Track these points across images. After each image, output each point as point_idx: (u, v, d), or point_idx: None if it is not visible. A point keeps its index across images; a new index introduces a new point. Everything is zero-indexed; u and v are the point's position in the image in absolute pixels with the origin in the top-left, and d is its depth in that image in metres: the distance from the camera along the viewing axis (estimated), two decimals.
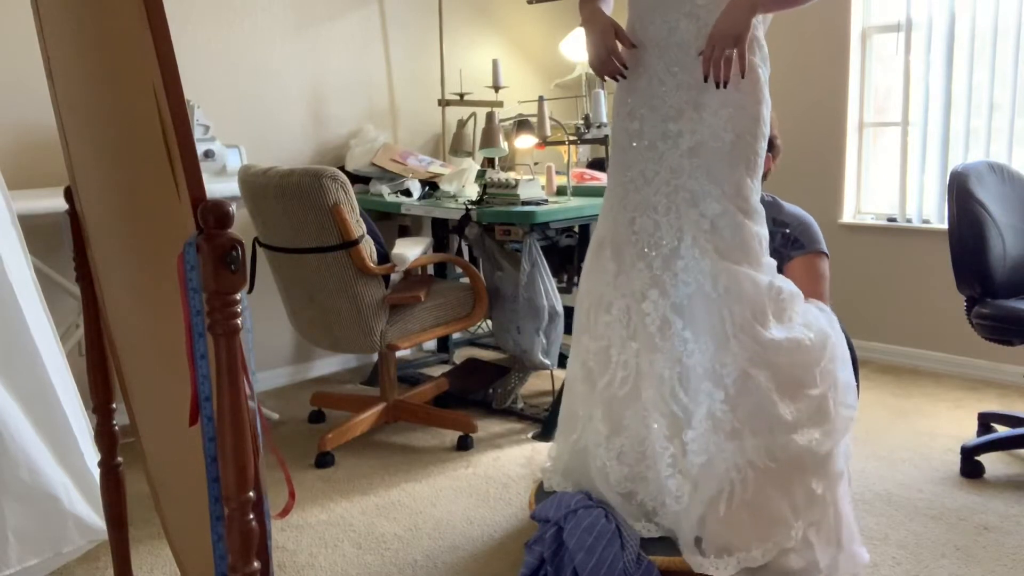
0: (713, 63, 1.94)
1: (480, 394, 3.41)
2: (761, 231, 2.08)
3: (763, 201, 2.51)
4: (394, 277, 2.93)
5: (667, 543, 2.01)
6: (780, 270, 2.54)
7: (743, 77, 1.99)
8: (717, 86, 1.96)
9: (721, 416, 1.95)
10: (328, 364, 3.92)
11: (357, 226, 2.66)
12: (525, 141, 3.71)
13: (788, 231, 2.57)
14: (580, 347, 2.24)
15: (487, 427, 3.14)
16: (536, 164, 3.93)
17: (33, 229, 2.50)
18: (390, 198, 3.48)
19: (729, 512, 1.92)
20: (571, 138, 3.53)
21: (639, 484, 2.07)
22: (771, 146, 2.65)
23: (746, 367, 1.95)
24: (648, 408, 2.03)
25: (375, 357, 3.66)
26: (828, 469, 1.99)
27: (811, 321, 2.08)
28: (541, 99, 3.63)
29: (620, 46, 2.09)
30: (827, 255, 2.59)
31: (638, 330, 2.08)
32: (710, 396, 1.96)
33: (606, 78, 2.13)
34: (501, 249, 3.21)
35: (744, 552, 1.91)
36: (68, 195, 1.60)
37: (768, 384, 1.95)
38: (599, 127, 3.51)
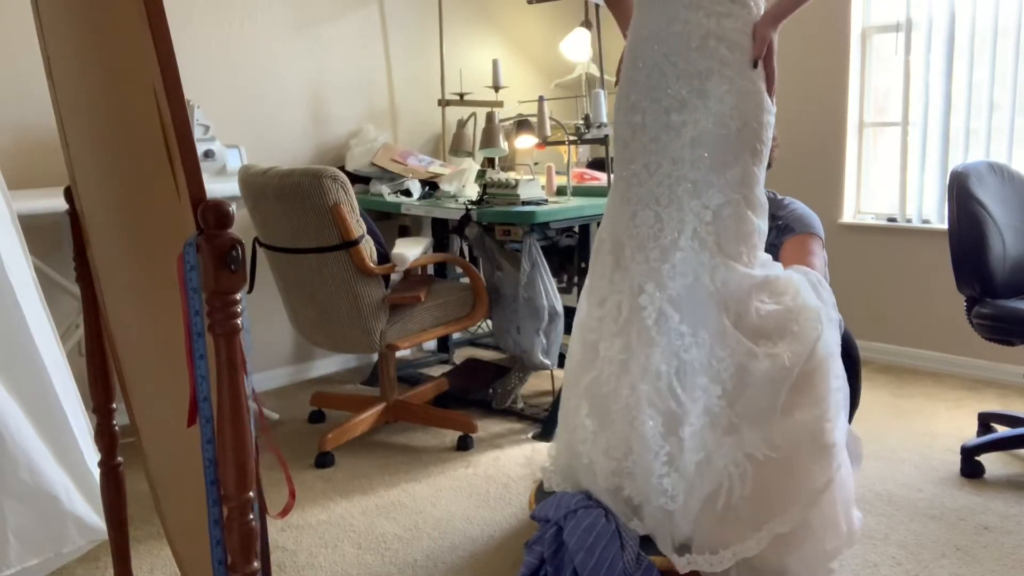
0: (771, 72, 2.06)
1: (480, 394, 3.41)
2: (761, 225, 2.08)
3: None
4: (394, 277, 2.93)
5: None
6: (775, 259, 2.56)
7: (754, 67, 2.03)
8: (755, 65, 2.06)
9: (718, 412, 1.94)
10: (328, 364, 3.92)
11: (357, 226, 2.66)
12: (525, 141, 3.71)
13: (780, 222, 2.58)
14: (578, 344, 2.25)
15: (487, 427, 3.14)
16: (536, 164, 3.93)
17: (33, 229, 2.50)
18: (390, 198, 3.48)
19: (727, 508, 1.90)
20: (571, 138, 3.53)
21: (625, 479, 2.05)
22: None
23: (742, 360, 1.95)
24: (643, 405, 2.01)
25: (375, 357, 3.66)
26: (829, 451, 1.96)
27: (800, 304, 2.04)
28: (541, 99, 3.62)
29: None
30: (820, 238, 2.59)
31: (631, 325, 2.08)
32: (706, 392, 1.96)
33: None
34: (501, 249, 3.21)
35: (739, 544, 1.88)
36: (68, 195, 1.60)
37: (765, 376, 1.94)
38: (599, 127, 3.50)
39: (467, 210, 3.10)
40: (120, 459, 1.71)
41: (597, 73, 4.03)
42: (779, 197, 2.65)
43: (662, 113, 2.08)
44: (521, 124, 3.72)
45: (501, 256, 3.18)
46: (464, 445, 2.96)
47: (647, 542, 2.01)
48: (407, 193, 3.50)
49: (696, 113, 2.04)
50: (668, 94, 2.07)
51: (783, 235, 2.58)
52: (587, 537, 1.93)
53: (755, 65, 2.03)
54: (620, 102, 2.19)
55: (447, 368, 3.83)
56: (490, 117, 3.59)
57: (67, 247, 1.67)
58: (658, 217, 2.07)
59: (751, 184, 2.05)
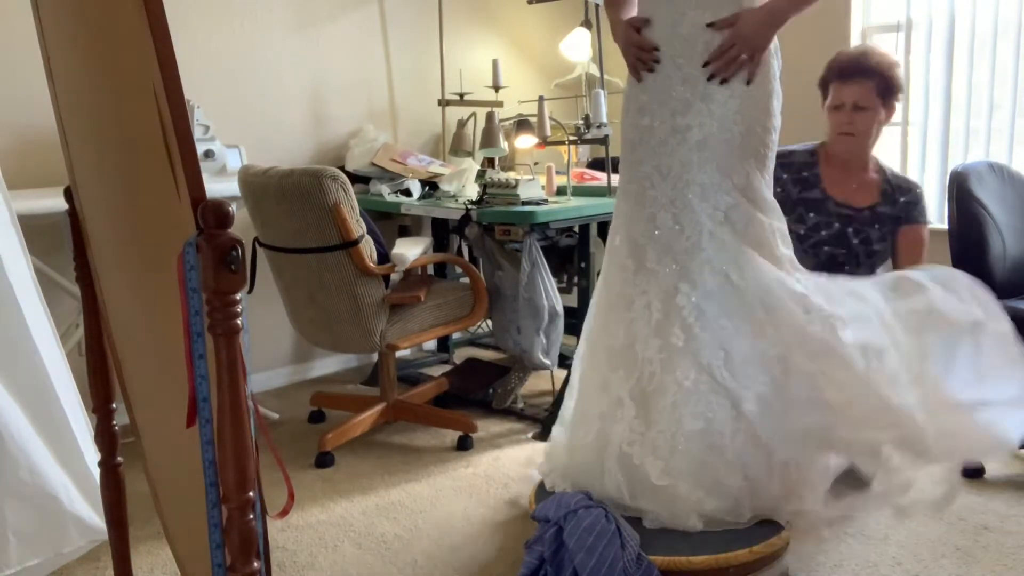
0: (725, 59, 2.01)
1: (480, 394, 3.41)
2: (776, 224, 2.11)
3: (879, 170, 2.65)
4: (394, 277, 2.93)
5: (667, 543, 2.01)
6: (896, 233, 2.64)
7: (748, 83, 2.03)
8: (710, 79, 2.03)
9: (770, 398, 2.00)
10: (328, 364, 3.92)
11: (357, 226, 2.66)
12: (525, 141, 3.71)
13: (910, 198, 2.65)
14: (600, 346, 2.24)
15: (487, 427, 3.14)
16: (536, 164, 3.93)
17: (33, 229, 2.49)
18: (390, 198, 3.48)
19: (779, 485, 2.00)
20: (571, 138, 3.53)
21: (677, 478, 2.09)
22: (894, 99, 2.64)
23: (784, 351, 2.01)
24: (691, 401, 2.05)
25: (375, 357, 3.66)
26: (837, 443, 2.06)
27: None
28: (541, 99, 3.62)
29: (639, 34, 2.13)
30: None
31: (667, 326, 2.09)
32: (756, 380, 2.01)
33: (643, 71, 2.15)
34: (501, 249, 3.21)
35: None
36: (68, 195, 1.60)
37: (809, 365, 2.00)
38: (599, 127, 3.51)
39: (467, 210, 3.10)
40: (120, 459, 1.70)
41: (597, 73, 4.03)
42: (891, 168, 2.75)
43: (669, 116, 2.09)
44: (521, 124, 3.72)
45: (501, 256, 3.18)
46: (464, 445, 2.96)
47: (655, 542, 2.00)
48: (407, 193, 3.50)
49: (701, 116, 2.05)
50: (674, 97, 2.08)
51: (916, 213, 2.65)
52: (587, 537, 1.93)
53: (749, 82, 2.03)
54: (628, 104, 2.19)
55: (447, 368, 3.83)
56: (490, 117, 3.59)
57: (67, 247, 1.67)
58: (677, 219, 2.09)
59: (756, 187, 2.07)
